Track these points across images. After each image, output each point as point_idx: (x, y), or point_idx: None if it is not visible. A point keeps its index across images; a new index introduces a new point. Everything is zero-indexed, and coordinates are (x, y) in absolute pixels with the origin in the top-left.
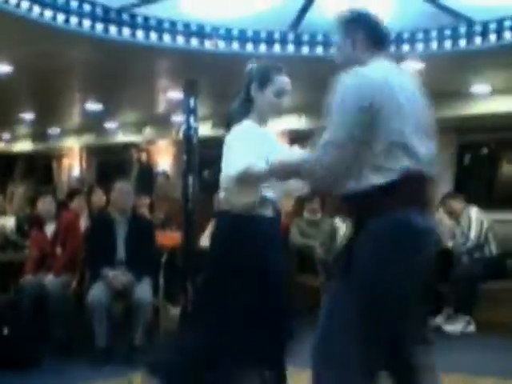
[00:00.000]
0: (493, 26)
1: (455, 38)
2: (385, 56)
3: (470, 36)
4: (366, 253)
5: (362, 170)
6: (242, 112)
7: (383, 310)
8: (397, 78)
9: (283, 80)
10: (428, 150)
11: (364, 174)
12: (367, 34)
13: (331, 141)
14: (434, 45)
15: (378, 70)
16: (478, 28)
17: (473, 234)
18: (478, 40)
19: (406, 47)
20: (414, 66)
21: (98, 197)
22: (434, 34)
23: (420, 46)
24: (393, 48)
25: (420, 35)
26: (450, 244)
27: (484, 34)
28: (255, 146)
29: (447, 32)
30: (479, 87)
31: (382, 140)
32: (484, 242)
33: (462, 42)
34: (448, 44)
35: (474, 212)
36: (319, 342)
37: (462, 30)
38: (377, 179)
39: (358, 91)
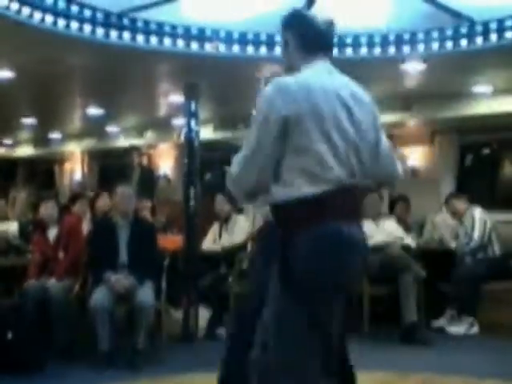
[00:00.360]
0: (494, 26)
1: (456, 38)
2: (322, 59)
3: (471, 36)
4: (297, 261)
5: (287, 180)
6: None
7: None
8: (327, 85)
9: (266, 71)
10: (356, 160)
11: (288, 184)
12: (299, 37)
13: (243, 154)
14: (435, 45)
15: (301, 79)
16: (479, 28)
17: (476, 234)
18: (479, 40)
19: (406, 48)
20: (415, 66)
21: (103, 201)
22: (434, 34)
23: (421, 47)
24: (393, 49)
25: (421, 36)
26: (452, 244)
27: (485, 33)
28: None
29: (448, 32)
30: (481, 87)
31: (301, 152)
32: (487, 243)
33: (463, 42)
34: (449, 44)
35: (477, 212)
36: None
37: (463, 30)
38: (303, 190)
39: (271, 102)
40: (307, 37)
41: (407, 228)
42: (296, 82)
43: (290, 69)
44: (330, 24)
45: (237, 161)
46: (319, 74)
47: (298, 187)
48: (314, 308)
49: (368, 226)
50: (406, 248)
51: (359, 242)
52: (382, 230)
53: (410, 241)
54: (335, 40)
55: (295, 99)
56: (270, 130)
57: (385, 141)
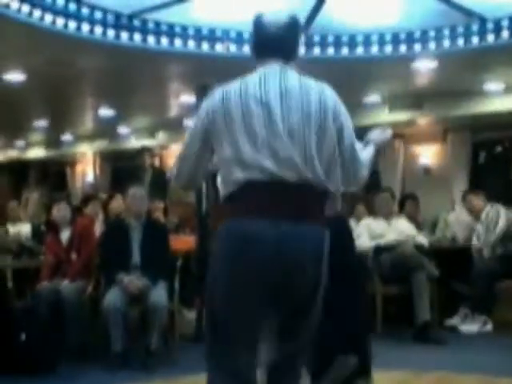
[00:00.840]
0: (505, 23)
1: (467, 35)
2: (268, 63)
3: (482, 33)
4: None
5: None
6: None
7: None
8: (250, 90)
9: None
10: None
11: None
12: (252, 44)
13: (177, 155)
14: (447, 43)
15: (235, 82)
16: (490, 25)
17: (500, 226)
18: (490, 37)
19: (417, 46)
20: (426, 64)
21: (117, 203)
22: (446, 32)
23: (432, 45)
24: (404, 47)
25: (432, 33)
26: (472, 241)
27: (497, 31)
28: None
29: (459, 30)
30: (492, 85)
31: (221, 152)
32: (508, 240)
33: (475, 40)
34: (460, 42)
35: (501, 208)
36: None
37: (475, 27)
38: (222, 190)
39: (202, 107)
40: (256, 43)
41: (418, 226)
42: (223, 88)
43: None
44: (286, 25)
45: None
46: (260, 75)
47: (221, 187)
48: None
49: (380, 225)
50: (418, 247)
51: (268, 239)
52: (394, 229)
53: (422, 239)
54: (296, 39)
55: (214, 106)
56: (194, 133)
57: (348, 143)
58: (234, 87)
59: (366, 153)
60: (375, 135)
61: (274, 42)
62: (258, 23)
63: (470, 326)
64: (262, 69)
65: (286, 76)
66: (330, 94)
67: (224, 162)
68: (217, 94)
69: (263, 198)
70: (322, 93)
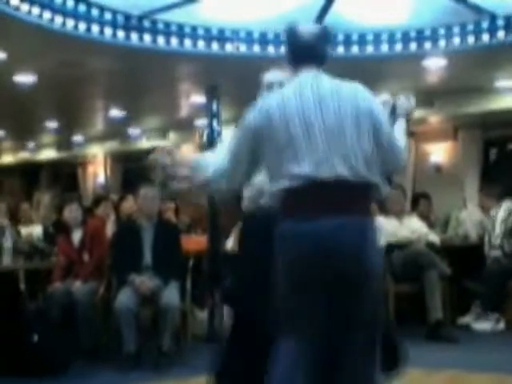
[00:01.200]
0: None
1: (478, 32)
2: (307, 70)
3: (492, 30)
4: None
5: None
6: None
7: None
8: (304, 94)
9: (268, 74)
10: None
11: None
12: (288, 52)
13: (217, 161)
14: (457, 40)
15: (279, 93)
16: (500, 22)
17: (500, 218)
18: (501, 34)
19: (428, 44)
20: (436, 62)
21: (129, 204)
22: (456, 29)
23: (442, 43)
24: (414, 45)
25: (442, 31)
26: (478, 239)
27: (507, 27)
28: None
29: (470, 27)
30: (503, 82)
31: (269, 160)
32: None
33: (485, 37)
34: (471, 39)
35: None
36: None
37: (485, 24)
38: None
39: (250, 115)
40: (294, 51)
41: (430, 225)
42: (274, 95)
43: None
44: (320, 35)
45: (213, 164)
46: (298, 83)
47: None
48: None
49: (391, 223)
50: (430, 245)
51: (323, 235)
52: (406, 227)
53: (434, 237)
54: (326, 47)
55: (268, 111)
56: (241, 141)
57: (386, 136)
58: (274, 100)
59: (398, 134)
60: (400, 104)
61: (309, 51)
62: (293, 33)
63: (483, 325)
64: (298, 78)
65: (320, 82)
66: (362, 94)
67: (270, 170)
68: (259, 109)
69: (312, 198)
70: (355, 94)
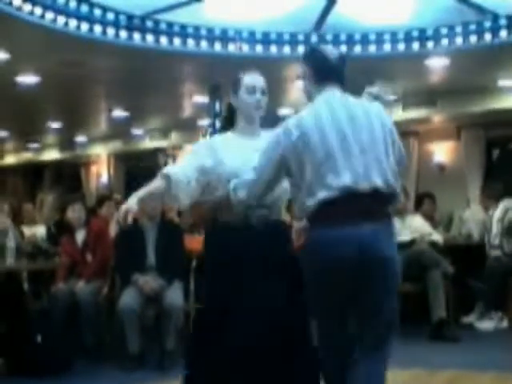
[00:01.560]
0: None
1: (480, 32)
2: (331, 88)
3: (495, 30)
4: None
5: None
6: (225, 130)
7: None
8: (334, 109)
9: (249, 77)
10: (356, 170)
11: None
12: (315, 71)
13: (252, 177)
14: (459, 40)
15: (313, 109)
16: (503, 21)
17: (497, 217)
18: (503, 33)
19: (430, 44)
20: (439, 62)
21: None
22: (458, 29)
23: (445, 42)
24: (417, 45)
25: (444, 31)
26: (480, 238)
27: (509, 27)
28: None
29: (472, 27)
30: (506, 81)
31: (303, 175)
32: None
33: (488, 37)
34: (473, 39)
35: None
36: None
37: (487, 24)
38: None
39: (286, 133)
40: (321, 69)
41: (434, 225)
42: (308, 113)
43: (308, 96)
44: (340, 58)
45: (246, 183)
46: (328, 101)
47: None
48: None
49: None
50: (433, 244)
51: (363, 240)
52: (409, 227)
53: (436, 237)
54: (344, 70)
55: (305, 127)
56: (275, 158)
57: (399, 149)
58: (309, 117)
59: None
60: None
61: (335, 70)
62: (320, 53)
63: (486, 324)
64: (324, 95)
65: (348, 101)
66: (383, 113)
67: (307, 184)
68: (295, 126)
69: (352, 207)
70: (379, 113)
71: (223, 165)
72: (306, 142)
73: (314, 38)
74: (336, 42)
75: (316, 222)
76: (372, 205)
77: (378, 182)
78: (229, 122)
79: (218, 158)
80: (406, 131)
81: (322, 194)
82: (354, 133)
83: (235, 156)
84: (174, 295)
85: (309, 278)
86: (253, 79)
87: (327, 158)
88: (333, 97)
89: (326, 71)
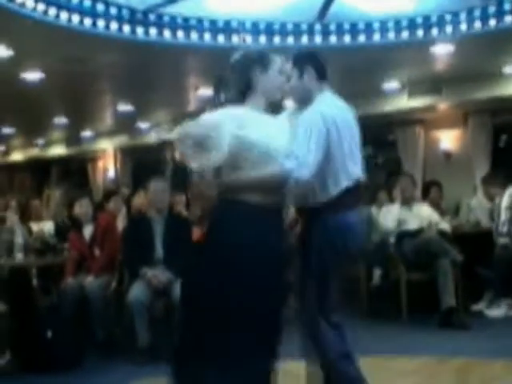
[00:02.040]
0: None
1: (485, 18)
2: (327, 86)
3: (499, 15)
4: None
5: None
6: (239, 103)
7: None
8: (340, 111)
9: (279, 59)
10: (358, 165)
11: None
12: (316, 70)
13: (306, 163)
14: (464, 26)
15: (328, 107)
16: (507, 6)
17: (504, 205)
18: (508, 19)
19: (434, 31)
20: (444, 49)
21: (141, 199)
22: (463, 15)
23: (449, 29)
24: (421, 32)
25: (449, 17)
26: (488, 225)
27: None
28: None
29: (476, 13)
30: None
31: (331, 163)
32: None
33: (492, 22)
34: (478, 25)
35: None
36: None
37: (492, 9)
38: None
39: (321, 122)
40: (321, 69)
41: (441, 213)
42: (324, 105)
43: (303, 97)
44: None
45: (305, 165)
46: (333, 99)
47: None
48: None
49: (402, 211)
50: (441, 232)
51: (359, 224)
52: (417, 215)
53: (444, 225)
54: None
55: (332, 118)
56: (321, 143)
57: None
58: (328, 109)
59: None
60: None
61: (325, 70)
62: (317, 55)
63: (496, 311)
64: (326, 94)
65: (338, 102)
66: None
67: (334, 171)
68: (322, 116)
69: (357, 195)
70: (352, 112)
71: (251, 139)
72: (336, 131)
73: (317, 28)
74: (340, 31)
75: (337, 206)
76: (362, 193)
77: (362, 174)
78: (243, 96)
79: (246, 131)
80: (411, 119)
81: (345, 183)
82: (351, 129)
83: (263, 132)
84: None
85: (329, 250)
86: (283, 63)
87: (349, 149)
88: (330, 94)
89: (324, 71)
